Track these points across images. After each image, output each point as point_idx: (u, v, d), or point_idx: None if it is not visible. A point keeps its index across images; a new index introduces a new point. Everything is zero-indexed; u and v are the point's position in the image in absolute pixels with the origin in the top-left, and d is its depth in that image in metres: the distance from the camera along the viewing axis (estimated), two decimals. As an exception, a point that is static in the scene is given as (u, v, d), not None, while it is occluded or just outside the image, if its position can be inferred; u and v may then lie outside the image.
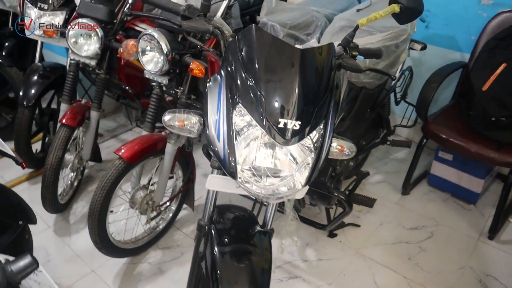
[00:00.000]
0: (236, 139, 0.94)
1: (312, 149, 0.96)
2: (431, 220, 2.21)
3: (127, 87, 2.10)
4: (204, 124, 1.01)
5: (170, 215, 2.03)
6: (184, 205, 2.09)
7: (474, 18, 2.22)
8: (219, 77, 1.03)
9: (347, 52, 1.16)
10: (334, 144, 1.05)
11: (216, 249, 1.11)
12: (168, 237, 2.06)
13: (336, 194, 1.51)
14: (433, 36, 2.43)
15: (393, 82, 1.90)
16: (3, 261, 0.82)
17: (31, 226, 1.47)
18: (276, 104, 0.93)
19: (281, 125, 0.91)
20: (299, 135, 0.93)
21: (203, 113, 1.03)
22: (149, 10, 2.06)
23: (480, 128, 1.94)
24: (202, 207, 1.26)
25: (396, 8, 1.20)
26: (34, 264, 0.79)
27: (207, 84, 1.05)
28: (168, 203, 1.96)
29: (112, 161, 1.67)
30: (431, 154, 2.47)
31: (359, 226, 2.14)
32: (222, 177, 1.06)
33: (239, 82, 0.97)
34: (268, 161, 0.95)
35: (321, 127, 0.97)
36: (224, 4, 1.85)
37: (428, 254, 2.00)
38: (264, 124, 0.92)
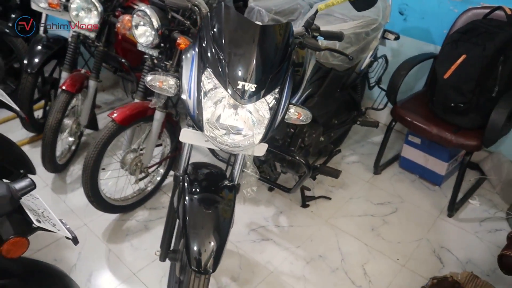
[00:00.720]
0: (203, 98, 1.13)
1: (268, 110, 1.15)
2: (397, 197, 2.40)
3: (123, 60, 2.27)
4: (179, 87, 1.20)
5: (158, 179, 2.22)
6: (171, 172, 2.29)
7: (446, 13, 2.39)
8: (192, 48, 1.21)
9: (308, 33, 1.34)
10: (292, 110, 1.22)
11: (187, 197, 1.27)
12: (155, 199, 2.26)
13: (297, 157, 1.70)
14: (410, 29, 2.59)
15: (363, 66, 2.07)
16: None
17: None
18: (238, 72, 1.11)
19: (239, 87, 1.10)
20: (255, 96, 1.11)
21: (179, 77, 1.21)
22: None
23: (441, 113, 2.12)
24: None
25: None
26: (33, 185, 0.98)
27: (183, 55, 1.22)
28: (155, 167, 2.15)
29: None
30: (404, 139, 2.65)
31: (330, 199, 2.33)
32: (193, 131, 1.25)
33: (209, 52, 1.15)
34: (231, 119, 1.14)
35: (276, 91, 1.15)
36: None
37: (390, 226, 2.20)
38: (227, 86, 1.11)
